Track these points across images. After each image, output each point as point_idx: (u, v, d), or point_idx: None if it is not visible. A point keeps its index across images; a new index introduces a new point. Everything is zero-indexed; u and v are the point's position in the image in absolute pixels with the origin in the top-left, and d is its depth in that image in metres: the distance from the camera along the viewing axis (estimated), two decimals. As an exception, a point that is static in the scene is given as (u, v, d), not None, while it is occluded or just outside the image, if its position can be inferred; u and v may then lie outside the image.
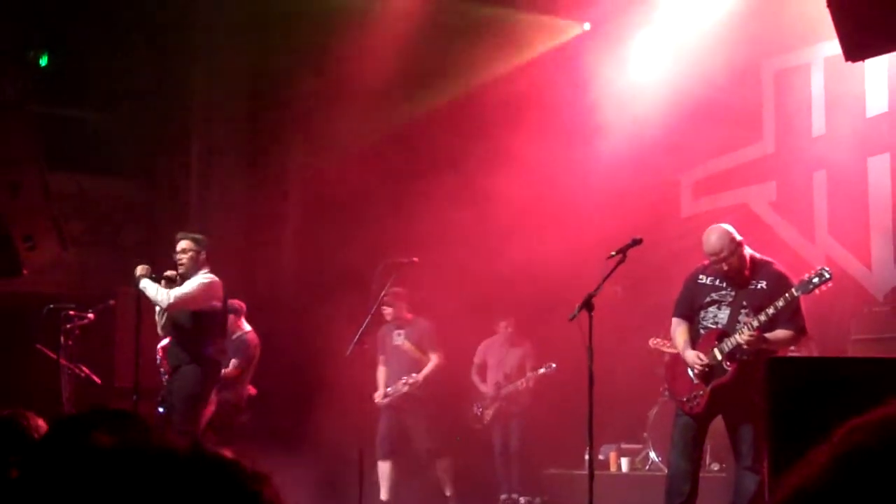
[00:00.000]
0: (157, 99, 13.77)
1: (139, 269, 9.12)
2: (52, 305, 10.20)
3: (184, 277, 9.15)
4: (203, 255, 9.24)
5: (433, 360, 10.63)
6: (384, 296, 9.17)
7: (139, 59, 13.39)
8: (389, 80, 11.91)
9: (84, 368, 10.49)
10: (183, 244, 9.23)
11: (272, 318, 12.34)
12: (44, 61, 12.58)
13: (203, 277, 9.10)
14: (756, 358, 7.09)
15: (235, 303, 10.83)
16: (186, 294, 8.97)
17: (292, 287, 12.91)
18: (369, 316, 8.97)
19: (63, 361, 10.31)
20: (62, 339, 10.24)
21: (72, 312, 10.24)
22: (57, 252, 13.59)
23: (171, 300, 8.92)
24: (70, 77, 13.48)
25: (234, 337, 10.66)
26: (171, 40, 13.58)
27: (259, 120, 13.28)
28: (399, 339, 10.77)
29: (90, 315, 10.27)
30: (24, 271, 9.39)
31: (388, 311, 10.52)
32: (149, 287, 8.99)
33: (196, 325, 9.12)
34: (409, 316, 10.79)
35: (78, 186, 13.86)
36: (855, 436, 1.36)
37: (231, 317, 10.40)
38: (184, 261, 9.16)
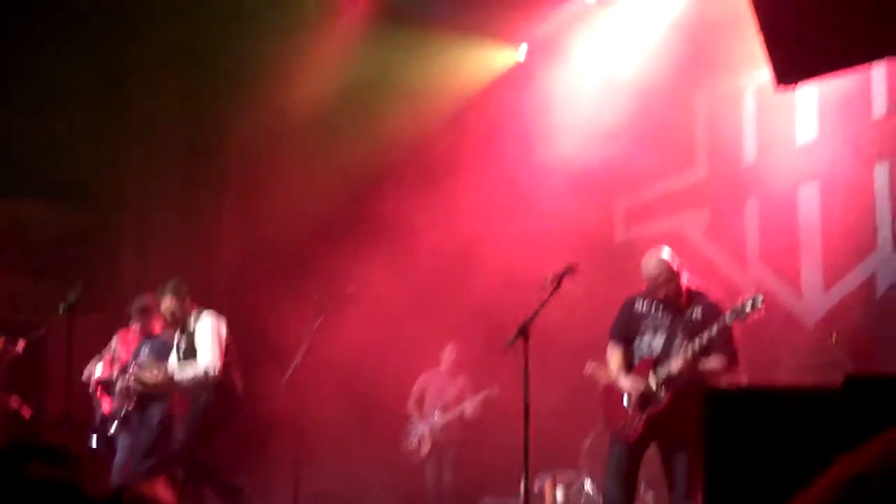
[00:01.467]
0: (94, 119, 13.51)
1: (150, 377, 9.02)
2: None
3: (181, 325, 9.07)
4: (187, 300, 9.12)
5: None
6: (316, 329, 9.01)
7: (80, 75, 13.11)
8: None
9: (14, 399, 10.22)
10: (166, 301, 9.13)
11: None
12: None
13: (207, 323, 8.97)
14: (690, 387, 7.02)
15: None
16: (213, 350, 8.85)
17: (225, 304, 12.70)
18: (302, 350, 8.93)
19: (-7, 392, 10.06)
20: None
21: (1, 342, 9.97)
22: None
23: (213, 371, 8.78)
24: (6, 101, 13.20)
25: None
26: (110, 52, 13.33)
27: (199, 137, 13.06)
28: None
29: (20, 346, 10.00)
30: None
31: None
32: (187, 372, 8.85)
33: None
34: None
35: (7, 208, 13.55)
36: (854, 464, 1.31)
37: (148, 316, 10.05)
38: (175, 318, 9.08)
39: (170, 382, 8.92)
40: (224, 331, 9.04)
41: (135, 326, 9.79)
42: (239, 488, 8.86)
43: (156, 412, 9.24)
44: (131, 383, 9.19)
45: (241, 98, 12.42)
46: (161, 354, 9.25)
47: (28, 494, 1.56)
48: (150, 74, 13.52)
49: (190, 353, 8.98)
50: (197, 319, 9.04)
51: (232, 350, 9.05)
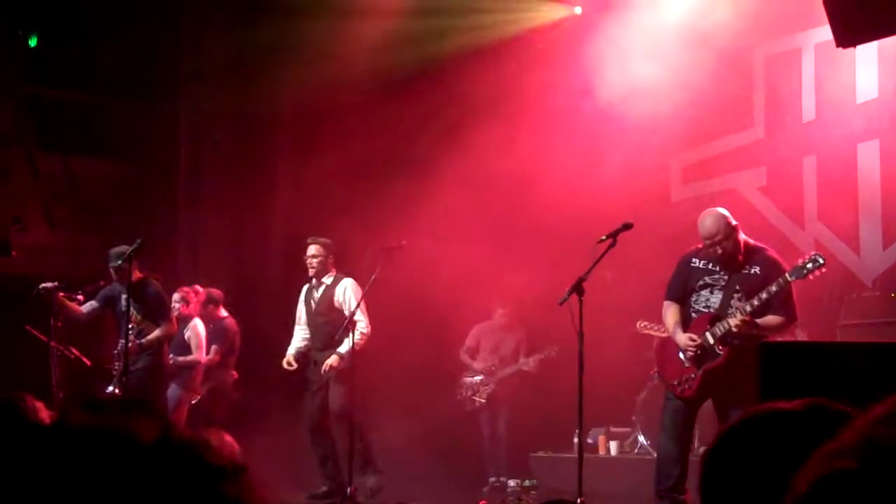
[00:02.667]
0: (147, 80, 13.69)
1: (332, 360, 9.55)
2: (41, 287, 10.10)
3: (311, 278, 9.81)
4: (331, 259, 9.75)
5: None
6: (374, 280, 9.19)
7: (130, 40, 13.29)
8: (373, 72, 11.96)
9: (74, 350, 10.42)
10: (312, 249, 9.76)
11: (259, 302, 12.33)
12: (33, 42, 12.50)
13: (351, 289, 9.64)
14: (747, 343, 7.06)
15: (213, 291, 11.05)
16: (363, 312, 9.51)
17: (281, 270, 12.84)
18: (361, 300, 9.27)
19: (53, 343, 10.24)
20: (52, 320, 10.16)
21: (61, 294, 10.15)
22: (46, 234, 13.61)
23: (367, 329, 9.51)
24: (60, 58, 13.40)
25: (213, 324, 11.04)
26: (161, 23, 13.49)
27: (250, 101, 13.16)
28: None
29: (80, 297, 10.20)
30: (13, 252, 9.32)
31: None
32: (342, 349, 9.48)
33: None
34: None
35: (67, 168, 13.78)
36: (880, 428, 1.35)
37: (210, 306, 11.02)
38: (314, 265, 9.73)
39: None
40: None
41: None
42: None
43: None
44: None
45: (295, 55, 12.51)
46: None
47: (72, 441, 1.62)
48: (201, 33, 13.68)
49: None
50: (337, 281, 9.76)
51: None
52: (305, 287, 10.00)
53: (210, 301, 11.08)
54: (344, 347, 9.46)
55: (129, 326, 9.53)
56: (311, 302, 9.87)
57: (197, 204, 13.83)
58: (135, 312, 9.74)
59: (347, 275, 9.85)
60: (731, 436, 1.83)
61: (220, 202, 13.63)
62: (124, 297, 9.48)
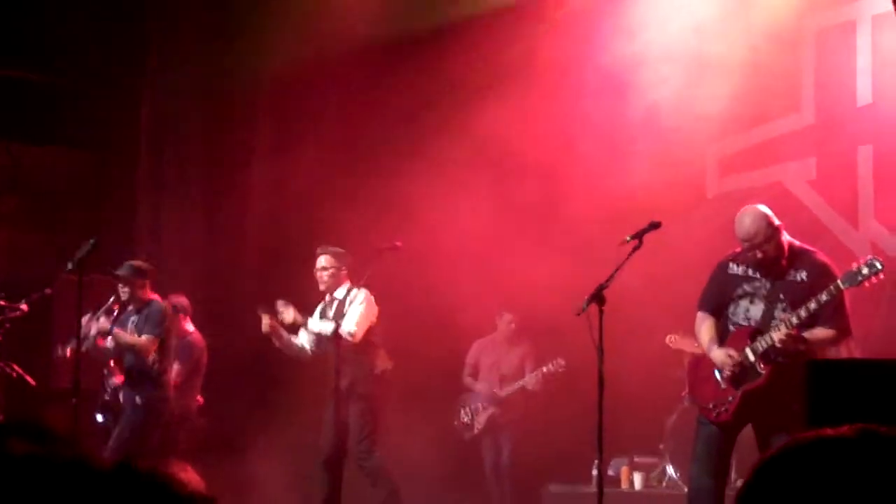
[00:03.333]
0: (109, 60, 13.63)
1: (288, 315, 9.64)
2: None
3: (327, 293, 9.84)
4: (344, 271, 9.82)
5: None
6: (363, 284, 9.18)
7: (88, 12, 13.24)
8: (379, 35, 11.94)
9: (16, 367, 10.39)
10: (322, 260, 9.81)
11: (231, 312, 12.30)
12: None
13: (362, 296, 9.62)
14: (794, 360, 6.99)
15: (178, 300, 10.90)
16: (361, 319, 9.55)
17: (256, 273, 12.83)
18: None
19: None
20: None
21: (2, 303, 10.13)
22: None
23: (355, 329, 9.47)
24: (4, 32, 13.34)
25: (177, 340, 10.79)
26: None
27: (222, 80, 13.13)
28: None
29: (23, 306, 10.17)
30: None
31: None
32: (316, 326, 9.64)
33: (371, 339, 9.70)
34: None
35: (10, 156, 13.73)
36: None
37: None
38: (325, 278, 9.78)
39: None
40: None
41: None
42: None
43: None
44: None
45: (273, 28, 12.49)
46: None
47: (9, 469, 1.60)
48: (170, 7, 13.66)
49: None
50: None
51: None
52: (320, 306, 9.96)
53: (173, 312, 10.86)
54: (321, 326, 9.57)
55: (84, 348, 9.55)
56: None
57: (160, 198, 13.77)
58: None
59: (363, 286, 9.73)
60: (770, 467, 1.77)
61: (186, 196, 13.57)
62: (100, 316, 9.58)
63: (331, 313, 9.71)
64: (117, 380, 10.43)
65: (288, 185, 12.62)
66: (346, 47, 12.16)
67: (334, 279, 9.77)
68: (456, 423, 11.49)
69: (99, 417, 10.61)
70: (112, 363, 10.47)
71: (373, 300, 9.66)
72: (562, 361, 10.72)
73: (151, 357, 9.87)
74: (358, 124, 12.33)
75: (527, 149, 11.13)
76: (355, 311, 9.56)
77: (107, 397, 10.57)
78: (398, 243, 9.08)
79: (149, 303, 10.06)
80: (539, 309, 10.59)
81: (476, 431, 11.38)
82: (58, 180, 13.99)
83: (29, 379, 10.43)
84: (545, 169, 11.15)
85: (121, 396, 10.18)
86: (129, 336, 9.85)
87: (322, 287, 9.80)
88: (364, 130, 12.27)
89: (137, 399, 9.88)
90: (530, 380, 11.18)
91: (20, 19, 13.29)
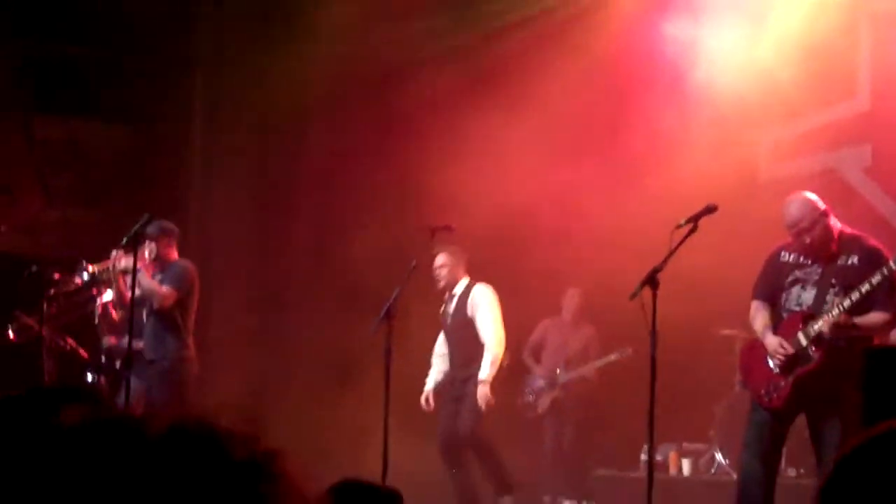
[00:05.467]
0: (159, 40, 13.65)
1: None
2: (34, 267, 10.11)
3: (443, 291, 10.04)
4: (463, 266, 10.01)
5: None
6: (414, 267, 9.11)
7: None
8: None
9: (69, 340, 10.44)
10: (440, 259, 9.94)
11: (284, 278, 12.31)
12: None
13: (478, 290, 9.90)
14: (849, 344, 6.92)
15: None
16: (497, 327, 9.74)
17: (307, 250, 12.85)
18: (399, 287, 9.01)
19: (45, 332, 10.24)
20: (45, 306, 10.16)
21: (56, 276, 10.16)
22: (41, 207, 13.64)
23: (497, 345, 9.68)
24: (61, 10, 13.38)
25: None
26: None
27: (273, 66, 13.13)
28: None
29: (78, 280, 10.18)
30: (1, 227, 9.34)
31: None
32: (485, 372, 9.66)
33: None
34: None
35: (67, 133, 13.79)
36: None
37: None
38: (443, 275, 9.96)
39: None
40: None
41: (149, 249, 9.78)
42: None
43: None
44: None
45: (329, 31, 12.50)
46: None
47: (60, 440, 1.55)
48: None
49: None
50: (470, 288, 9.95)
51: None
52: (442, 307, 10.12)
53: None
54: (484, 373, 9.59)
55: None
56: (447, 318, 10.04)
57: (211, 178, 13.81)
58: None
59: (478, 280, 9.98)
60: (852, 462, 1.67)
61: (237, 176, 13.60)
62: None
63: (450, 310, 9.93)
64: (112, 340, 10.35)
65: (338, 175, 12.64)
66: (391, 58, 12.17)
67: (452, 275, 9.93)
68: (519, 402, 11.51)
69: (88, 376, 10.51)
70: (110, 322, 10.33)
71: (495, 297, 9.85)
72: (629, 350, 10.63)
73: (171, 308, 9.73)
74: (404, 125, 12.25)
75: (583, 132, 11.10)
76: (489, 320, 9.70)
77: (103, 359, 10.44)
78: (452, 224, 9.04)
79: (174, 262, 9.95)
80: (601, 293, 10.57)
81: (540, 412, 11.39)
82: (111, 156, 14.04)
83: (82, 352, 10.48)
84: (601, 152, 11.10)
85: (147, 356, 9.80)
86: (149, 280, 9.55)
87: (441, 284, 9.96)
88: (411, 130, 12.18)
89: (167, 363, 9.68)
90: (589, 369, 11.19)
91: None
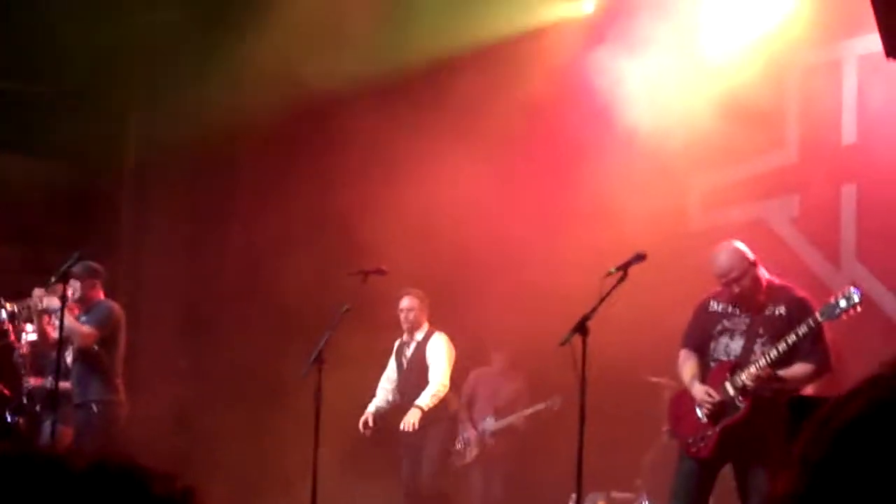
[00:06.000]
0: (92, 77, 13.52)
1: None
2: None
3: (409, 333, 10.32)
4: (425, 313, 10.31)
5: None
6: (346, 310, 9.06)
7: (70, 20, 13.12)
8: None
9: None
10: (406, 301, 10.26)
11: (216, 332, 12.23)
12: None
13: (438, 339, 10.28)
14: (775, 394, 6.98)
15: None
16: (448, 368, 10.20)
17: (238, 291, 12.77)
18: (329, 332, 8.98)
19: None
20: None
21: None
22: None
23: (446, 383, 10.18)
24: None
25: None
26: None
27: (206, 104, 13.04)
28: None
29: (3, 318, 10.06)
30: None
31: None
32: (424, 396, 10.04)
33: None
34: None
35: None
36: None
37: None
38: (410, 318, 10.26)
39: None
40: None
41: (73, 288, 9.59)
42: None
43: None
44: None
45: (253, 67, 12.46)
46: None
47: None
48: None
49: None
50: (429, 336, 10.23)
51: None
52: (398, 342, 10.38)
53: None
54: (422, 400, 9.91)
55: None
56: (403, 360, 10.32)
57: (143, 213, 13.70)
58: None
59: (438, 329, 10.35)
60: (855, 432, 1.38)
61: (170, 212, 13.50)
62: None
63: (408, 353, 10.21)
64: (33, 381, 10.23)
65: (271, 205, 12.58)
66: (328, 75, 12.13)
67: (417, 320, 10.22)
68: (450, 450, 11.49)
69: (7, 417, 10.36)
70: (33, 362, 10.24)
71: (451, 346, 10.25)
72: (558, 399, 10.67)
73: (93, 349, 9.59)
74: (341, 147, 12.25)
75: (512, 178, 11.13)
76: (441, 361, 10.12)
77: (24, 399, 10.31)
78: (383, 267, 9.01)
79: (98, 302, 9.85)
80: (529, 344, 10.57)
81: (468, 461, 11.36)
82: (40, 193, 13.87)
83: (6, 391, 10.35)
84: (531, 199, 11.14)
85: (75, 399, 9.71)
86: (71, 319, 9.38)
87: (406, 326, 10.23)
88: (347, 152, 12.17)
89: (94, 407, 9.61)
90: (517, 418, 11.21)
91: (5, 30, 13.18)
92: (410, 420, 9.83)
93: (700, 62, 10.73)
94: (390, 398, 10.37)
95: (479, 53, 11.67)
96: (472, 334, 11.23)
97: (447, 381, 10.12)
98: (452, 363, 10.23)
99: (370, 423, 10.13)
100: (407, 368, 10.22)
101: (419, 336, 10.23)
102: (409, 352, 10.26)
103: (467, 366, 11.61)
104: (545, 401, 10.98)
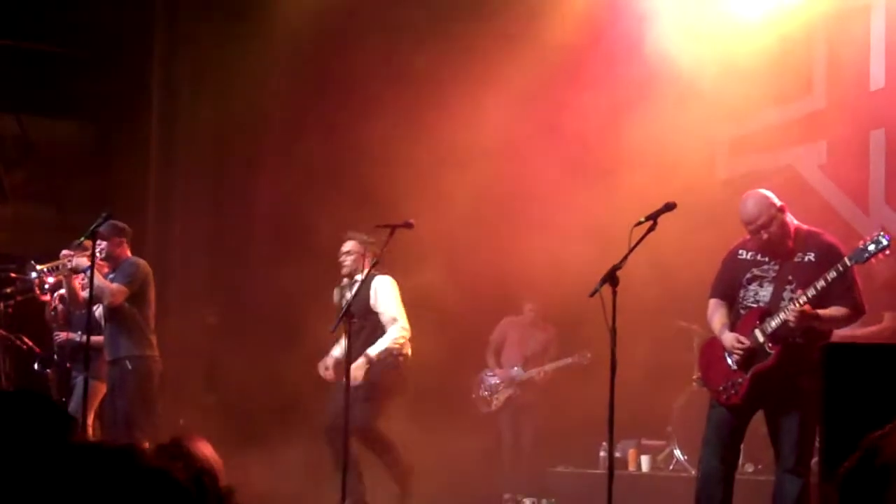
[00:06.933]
0: (116, 29, 13.55)
1: None
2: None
3: (348, 278, 9.91)
4: (367, 256, 9.72)
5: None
6: (375, 263, 9.09)
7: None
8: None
9: (25, 339, 10.37)
10: (348, 245, 9.90)
11: (243, 286, 12.28)
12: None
13: (381, 280, 9.70)
14: (805, 340, 6.98)
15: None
16: (401, 310, 9.70)
17: (265, 248, 12.84)
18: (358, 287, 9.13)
19: (1, 331, 10.20)
20: (0, 305, 10.11)
21: (12, 275, 10.10)
22: (-5, 204, 13.54)
23: (406, 325, 9.63)
24: (18, 3, 13.28)
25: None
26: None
27: (232, 61, 13.05)
28: None
29: (29, 279, 10.11)
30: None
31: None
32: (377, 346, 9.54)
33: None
34: None
35: (20, 128, 13.68)
36: None
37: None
38: (347, 262, 9.87)
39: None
40: None
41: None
42: None
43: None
44: None
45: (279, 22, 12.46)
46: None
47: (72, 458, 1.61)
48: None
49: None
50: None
51: None
52: (336, 290, 10.06)
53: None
54: (374, 349, 9.45)
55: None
56: (343, 304, 9.70)
57: (170, 172, 13.73)
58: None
59: (383, 272, 9.74)
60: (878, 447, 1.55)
61: (197, 170, 13.53)
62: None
63: (349, 296, 9.63)
64: (63, 335, 10.28)
65: (297, 167, 12.60)
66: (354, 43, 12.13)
67: (356, 263, 9.81)
68: (474, 396, 11.57)
69: (36, 366, 10.43)
70: (62, 318, 10.33)
71: (394, 283, 9.75)
72: (588, 354, 10.68)
73: (124, 306, 9.60)
74: (369, 117, 12.20)
75: (537, 135, 11.12)
76: (393, 303, 9.61)
77: (56, 355, 10.38)
78: (411, 221, 8.97)
79: (125, 260, 9.86)
80: (558, 294, 10.59)
81: (493, 408, 11.42)
82: (66, 153, 13.95)
83: (37, 350, 10.42)
84: (559, 151, 11.12)
85: (108, 356, 9.75)
86: (99, 277, 9.40)
87: (344, 270, 9.87)
88: (373, 119, 12.13)
89: (128, 363, 9.62)
90: (545, 370, 11.27)
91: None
92: (355, 368, 9.22)
93: (726, 10, 10.65)
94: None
95: (505, 12, 11.60)
96: (504, 283, 11.27)
97: (407, 324, 9.61)
98: (402, 305, 9.70)
99: (329, 366, 9.75)
100: (349, 312, 9.25)
101: (359, 277, 9.64)
102: (348, 295, 9.61)
103: (499, 314, 11.68)
104: (574, 355, 11.02)
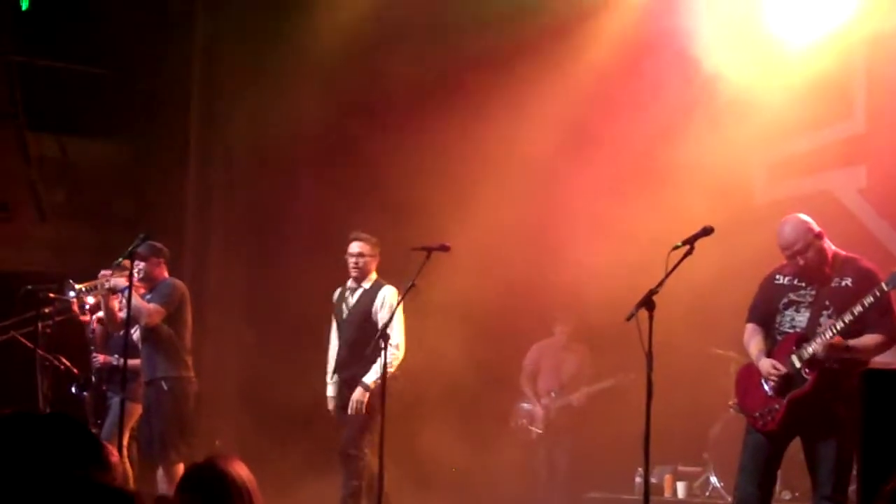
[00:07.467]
0: (156, 52, 13.66)
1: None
2: (29, 286, 10.09)
3: (356, 281, 9.68)
4: (376, 260, 9.70)
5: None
6: (411, 286, 9.01)
7: (137, 6, 13.27)
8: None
9: (63, 360, 10.41)
10: (356, 246, 9.69)
11: (281, 294, 12.31)
12: (25, 4, 12.47)
13: (389, 291, 9.54)
14: (842, 366, 6.93)
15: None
16: (401, 328, 9.40)
17: (303, 266, 12.89)
18: (399, 304, 9.05)
19: (40, 351, 10.22)
20: (39, 325, 10.14)
21: (51, 295, 10.14)
22: (34, 224, 13.63)
23: (397, 351, 9.30)
24: (57, 25, 13.39)
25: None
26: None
27: (268, 81, 13.13)
28: None
29: (68, 299, 10.16)
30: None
31: None
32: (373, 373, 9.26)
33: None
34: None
35: (61, 150, 13.78)
36: None
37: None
38: (359, 264, 9.65)
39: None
40: None
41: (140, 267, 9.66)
42: None
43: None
44: None
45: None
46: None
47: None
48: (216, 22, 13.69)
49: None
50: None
51: None
52: (338, 291, 9.86)
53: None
54: (370, 377, 9.29)
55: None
56: (344, 308, 9.70)
57: (208, 193, 13.80)
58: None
59: (390, 282, 9.61)
60: None
61: (234, 190, 13.59)
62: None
63: (351, 301, 9.60)
64: (102, 359, 10.34)
65: (334, 184, 12.63)
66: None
67: (366, 267, 9.63)
68: (513, 425, 11.53)
69: (73, 389, 10.46)
70: (99, 340, 10.39)
71: (397, 296, 9.35)
72: (631, 375, 10.47)
73: (161, 326, 9.64)
74: (406, 133, 12.23)
75: (574, 155, 11.12)
76: (395, 319, 9.19)
77: (93, 378, 10.42)
78: (447, 244, 8.95)
79: (162, 281, 9.91)
80: (592, 315, 10.57)
81: (534, 436, 11.39)
82: (106, 173, 14.04)
83: (75, 371, 10.46)
84: (599, 174, 11.12)
85: (144, 377, 9.80)
86: (137, 298, 9.40)
87: (354, 273, 9.65)
88: (412, 135, 12.15)
89: (164, 384, 9.67)
90: (583, 394, 11.22)
91: (71, 13, 13.33)
92: (356, 401, 9.22)
93: (767, 33, 10.62)
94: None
95: (556, 15, 11.58)
96: (539, 298, 11.25)
97: (404, 345, 9.36)
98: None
99: (330, 409, 9.69)
100: (347, 319, 9.52)
101: (366, 284, 9.60)
102: (351, 300, 9.60)
103: (531, 339, 11.65)
104: (615, 377, 10.98)
